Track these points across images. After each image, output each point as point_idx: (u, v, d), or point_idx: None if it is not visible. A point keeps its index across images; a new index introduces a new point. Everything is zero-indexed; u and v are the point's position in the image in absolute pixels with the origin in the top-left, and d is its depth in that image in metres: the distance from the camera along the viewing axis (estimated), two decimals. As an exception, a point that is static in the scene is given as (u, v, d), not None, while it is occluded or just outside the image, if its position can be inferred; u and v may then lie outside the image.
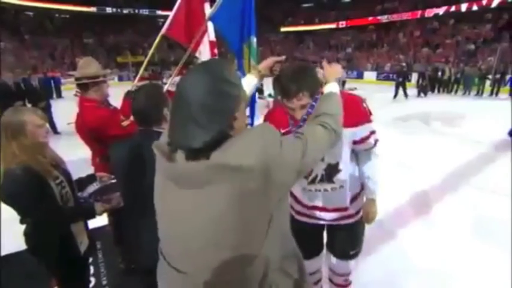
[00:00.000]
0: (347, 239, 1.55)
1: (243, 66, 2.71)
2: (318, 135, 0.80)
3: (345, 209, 1.46)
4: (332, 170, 1.36)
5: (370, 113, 1.37)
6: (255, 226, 0.68)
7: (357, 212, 1.51)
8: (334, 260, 1.61)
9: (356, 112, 1.30)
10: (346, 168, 1.37)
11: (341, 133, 0.90)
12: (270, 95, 9.27)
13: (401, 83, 10.95)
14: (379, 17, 23.69)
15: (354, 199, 1.47)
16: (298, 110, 1.21)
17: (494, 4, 17.80)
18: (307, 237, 1.55)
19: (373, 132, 1.37)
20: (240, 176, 0.63)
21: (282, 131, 1.33)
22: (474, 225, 2.81)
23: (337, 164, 1.35)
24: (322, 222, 1.50)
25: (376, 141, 1.40)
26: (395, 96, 11.06)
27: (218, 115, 0.65)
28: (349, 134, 1.29)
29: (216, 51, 2.76)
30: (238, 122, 0.70)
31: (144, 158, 1.11)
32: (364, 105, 1.34)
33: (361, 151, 1.42)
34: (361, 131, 1.33)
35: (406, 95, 11.00)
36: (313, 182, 1.39)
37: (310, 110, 1.21)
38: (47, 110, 6.84)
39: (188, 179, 0.67)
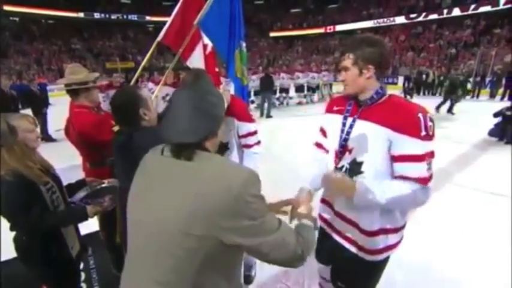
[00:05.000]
0: (340, 272, 1.36)
1: (234, 70, 2.76)
2: (286, 240, 0.79)
3: (349, 221, 1.25)
4: (354, 167, 1.18)
5: (429, 135, 1.06)
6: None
7: (373, 251, 1.23)
8: None
9: (401, 116, 1.08)
10: (372, 177, 1.13)
11: (304, 260, 0.82)
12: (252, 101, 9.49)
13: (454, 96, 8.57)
14: (365, 22, 24.32)
15: (372, 224, 1.20)
16: (342, 72, 1.18)
17: (470, 10, 18.67)
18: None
19: (422, 158, 1.05)
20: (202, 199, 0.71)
21: (336, 108, 1.31)
22: (457, 222, 2.92)
23: (360, 164, 1.15)
24: (333, 233, 1.35)
25: (426, 178, 1.07)
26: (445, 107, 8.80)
27: (203, 129, 0.78)
28: (384, 133, 1.09)
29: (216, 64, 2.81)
30: (220, 132, 0.85)
31: (127, 156, 1.14)
32: (420, 116, 1.05)
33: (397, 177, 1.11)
34: (400, 142, 1.07)
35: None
36: (340, 169, 1.25)
37: (375, 95, 1.14)
38: (44, 117, 6.76)
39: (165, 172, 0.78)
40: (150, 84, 5.70)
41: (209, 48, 2.73)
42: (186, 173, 0.74)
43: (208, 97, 0.79)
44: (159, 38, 2.70)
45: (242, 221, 0.71)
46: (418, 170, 1.08)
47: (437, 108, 8.67)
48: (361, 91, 1.17)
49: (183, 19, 2.72)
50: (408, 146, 1.07)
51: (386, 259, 1.28)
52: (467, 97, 12.22)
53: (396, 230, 1.23)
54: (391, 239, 1.23)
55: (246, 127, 1.82)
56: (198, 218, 0.69)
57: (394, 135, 1.08)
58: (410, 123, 1.06)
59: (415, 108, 1.09)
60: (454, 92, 8.42)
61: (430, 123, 1.07)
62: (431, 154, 1.09)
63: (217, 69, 2.75)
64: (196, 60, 2.72)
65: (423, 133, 1.06)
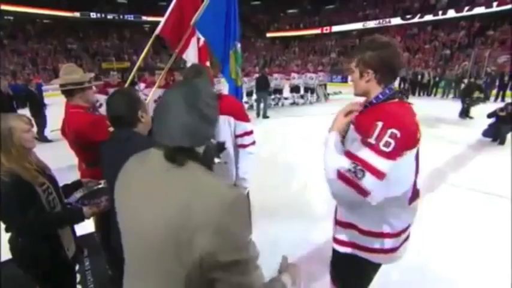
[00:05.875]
0: (331, 261, 1.42)
1: (228, 71, 2.78)
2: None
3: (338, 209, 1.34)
4: None
5: (377, 147, 1.01)
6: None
7: (336, 240, 1.31)
8: None
9: (367, 118, 1.11)
10: None
11: None
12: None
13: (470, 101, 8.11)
14: (361, 23, 24.52)
15: (343, 215, 1.27)
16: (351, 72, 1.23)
17: (465, 11, 18.94)
18: None
19: (351, 156, 1.06)
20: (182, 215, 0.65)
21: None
22: (452, 221, 2.95)
23: None
24: None
25: (341, 174, 1.05)
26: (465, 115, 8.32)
27: (201, 135, 0.73)
28: (352, 134, 1.17)
29: (208, 56, 2.84)
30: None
31: (121, 158, 1.13)
32: (380, 124, 1.03)
33: None
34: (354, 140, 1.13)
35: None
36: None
37: (374, 99, 1.14)
38: (44, 118, 6.69)
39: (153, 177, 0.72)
40: (142, 85, 5.56)
41: (201, 42, 2.76)
42: (171, 182, 0.69)
43: (206, 98, 0.73)
44: (157, 31, 2.73)
45: (222, 248, 0.63)
46: (340, 162, 1.07)
47: (461, 115, 8.32)
48: (364, 93, 1.19)
49: (181, 15, 2.75)
50: (352, 143, 1.09)
51: (356, 258, 1.26)
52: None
53: (373, 234, 1.20)
54: (361, 239, 1.22)
55: (242, 126, 1.82)
56: (176, 233, 0.63)
57: (354, 134, 1.13)
58: (366, 124, 1.06)
59: (386, 116, 1.05)
60: (468, 95, 8.16)
61: (388, 139, 1.01)
62: (366, 164, 1.02)
63: (208, 63, 2.77)
64: (191, 53, 2.76)
65: (371, 140, 1.03)
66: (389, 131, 1.01)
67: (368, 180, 1.02)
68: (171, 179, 0.69)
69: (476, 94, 8.05)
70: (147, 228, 0.68)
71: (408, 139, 1.04)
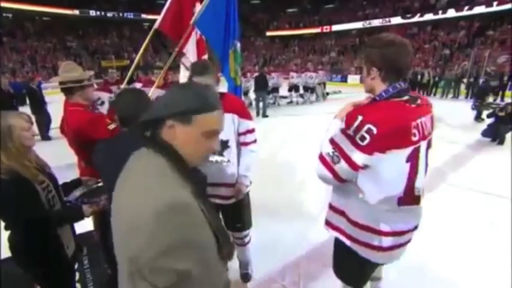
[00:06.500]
0: None
1: (228, 70, 2.78)
2: None
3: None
4: None
5: (353, 139, 1.09)
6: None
7: (326, 221, 1.41)
8: None
9: (353, 113, 1.14)
10: None
11: None
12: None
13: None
14: (361, 22, 24.51)
15: (334, 200, 1.36)
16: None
17: (465, 11, 18.95)
18: None
19: (331, 141, 1.17)
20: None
21: None
22: (451, 221, 2.95)
23: None
24: None
25: (320, 156, 1.21)
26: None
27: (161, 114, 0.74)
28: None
29: (206, 50, 2.87)
30: (183, 135, 0.73)
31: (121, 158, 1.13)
32: (360, 118, 1.08)
33: None
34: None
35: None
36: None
37: (377, 97, 1.16)
38: (48, 116, 6.65)
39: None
40: (139, 84, 5.54)
41: (198, 36, 2.80)
42: (134, 182, 0.72)
43: (172, 95, 0.76)
44: (156, 26, 2.74)
45: (146, 253, 0.63)
46: (325, 146, 1.19)
47: (477, 118, 7.82)
48: (370, 90, 1.21)
49: (180, 9, 2.76)
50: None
51: (353, 252, 1.28)
52: (461, 97, 12.40)
53: (362, 228, 1.22)
54: (353, 231, 1.24)
55: (245, 124, 1.82)
56: (124, 234, 0.67)
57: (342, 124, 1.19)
58: (351, 116, 1.11)
59: (367, 112, 1.08)
60: (481, 98, 7.75)
61: (364, 133, 1.05)
62: (342, 152, 1.11)
63: (206, 57, 2.77)
64: (191, 48, 2.79)
65: (349, 132, 1.09)
66: (366, 126, 1.05)
67: (342, 168, 1.12)
68: (134, 178, 0.73)
69: (489, 99, 7.79)
70: (115, 227, 0.73)
71: (389, 137, 1.06)
